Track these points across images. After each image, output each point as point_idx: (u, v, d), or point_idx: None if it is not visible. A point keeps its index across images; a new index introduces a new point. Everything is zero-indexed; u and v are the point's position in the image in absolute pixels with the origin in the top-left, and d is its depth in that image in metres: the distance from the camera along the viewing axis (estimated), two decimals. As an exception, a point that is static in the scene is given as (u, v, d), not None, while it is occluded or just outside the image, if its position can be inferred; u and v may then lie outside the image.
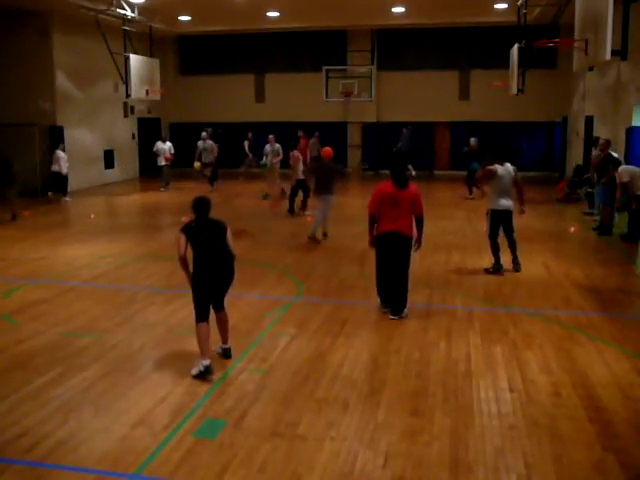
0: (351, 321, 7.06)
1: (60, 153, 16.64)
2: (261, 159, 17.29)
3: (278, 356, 6.08)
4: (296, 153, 14.18)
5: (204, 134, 18.79)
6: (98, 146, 20.56)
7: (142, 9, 18.40)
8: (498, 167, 8.93)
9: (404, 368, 5.77)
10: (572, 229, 12.60)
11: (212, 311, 5.84)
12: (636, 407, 5.02)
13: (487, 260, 9.89)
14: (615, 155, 12.28)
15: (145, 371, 5.80)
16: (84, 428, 4.68)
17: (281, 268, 9.55)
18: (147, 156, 23.49)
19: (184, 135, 25.01)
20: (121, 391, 5.32)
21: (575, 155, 19.78)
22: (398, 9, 19.17)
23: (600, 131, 16.30)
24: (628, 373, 5.66)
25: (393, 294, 7.14)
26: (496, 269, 9.10)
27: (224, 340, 6.02)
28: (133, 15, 18.14)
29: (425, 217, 7.23)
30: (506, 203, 8.95)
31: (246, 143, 19.99)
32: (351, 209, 15.23)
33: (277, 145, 16.65)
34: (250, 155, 20.05)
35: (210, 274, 5.72)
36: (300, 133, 19.70)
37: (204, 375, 5.54)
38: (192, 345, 6.33)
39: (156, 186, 19.34)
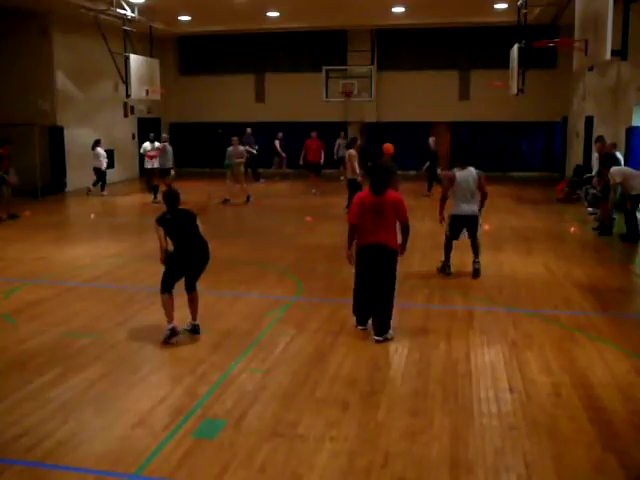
0: (351, 321, 7.06)
1: (99, 150, 17.77)
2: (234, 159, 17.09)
3: (278, 356, 6.08)
4: (352, 152, 13.76)
5: (164, 135, 17.25)
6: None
7: (142, 9, 18.39)
8: (457, 172, 8.61)
9: (404, 368, 5.77)
10: (572, 229, 12.60)
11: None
12: (636, 407, 5.02)
13: (486, 259, 9.90)
14: (617, 155, 12.30)
15: (145, 371, 5.80)
16: (84, 428, 4.69)
17: (281, 268, 9.54)
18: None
19: (184, 135, 25.04)
20: (121, 391, 5.33)
21: (575, 155, 19.78)
22: (398, 9, 19.17)
23: (600, 131, 16.30)
24: (628, 373, 5.65)
25: (377, 313, 6.45)
26: (443, 268, 9.01)
27: (194, 317, 6.64)
28: (133, 15, 18.14)
29: (411, 225, 6.60)
30: (468, 208, 8.62)
31: (277, 143, 20.72)
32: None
33: (241, 147, 16.65)
34: (283, 155, 21.12)
35: (189, 258, 6.46)
36: (313, 134, 19.26)
37: (170, 338, 6.32)
38: (192, 345, 6.35)
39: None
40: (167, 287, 6.44)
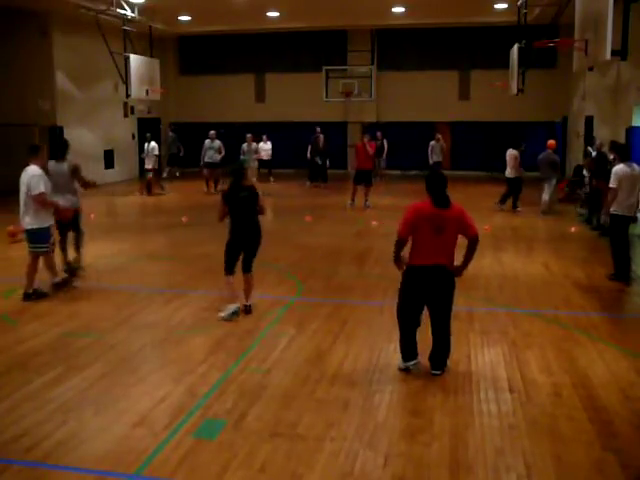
0: (351, 321, 7.06)
1: (263, 144, 19.90)
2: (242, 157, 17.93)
3: (278, 356, 6.08)
4: (516, 152, 14.66)
5: (212, 133, 18.35)
6: (98, 146, 20.57)
7: (142, 9, 18.41)
8: None
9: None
10: (572, 229, 12.61)
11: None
12: (636, 407, 5.03)
13: (488, 259, 9.90)
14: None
15: (145, 371, 5.80)
16: (84, 428, 4.68)
17: (281, 268, 9.54)
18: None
19: (184, 135, 25.00)
20: (121, 391, 5.32)
21: (575, 155, 19.77)
22: (398, 9, 19.18)
23: (600, 131, 16.30)
24: (628, 373, 5.66)
25: (437, 345, 5.65)
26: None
27: (247, 298, 7.19)
28: (133, 15, 18.15)
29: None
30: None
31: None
32: (351, 210, 15.28)
33: (255, 144, 17.67)
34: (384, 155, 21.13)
35: (241, 236, 6.98)
36: (366, 137, 16.51)
37: (232, 317, 6.92)
38: (192, 345, 6.35)
39: (155, 186, 19.25)
40: (230, 268, 7.02)
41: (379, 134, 20.68)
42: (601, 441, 4.46)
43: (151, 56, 19.94)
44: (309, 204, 16.21)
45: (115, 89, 20.45)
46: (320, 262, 9.98)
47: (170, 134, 21.56)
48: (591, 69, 12.20)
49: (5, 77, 17.88)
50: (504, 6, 18.10)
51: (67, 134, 18.52)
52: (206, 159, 18.07)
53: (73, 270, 8.76)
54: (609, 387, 5.35)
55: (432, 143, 19.33)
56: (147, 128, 22.36)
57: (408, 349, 5.69)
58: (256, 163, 17.60)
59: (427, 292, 5.51)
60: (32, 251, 8.04)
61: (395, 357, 6.01)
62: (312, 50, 24.10)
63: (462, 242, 5.52)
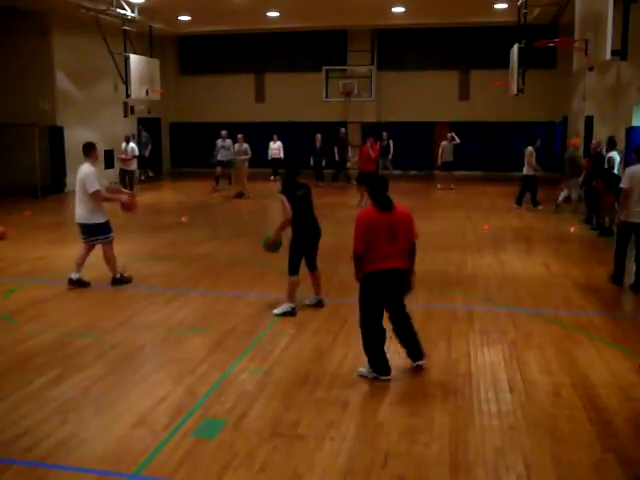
0: (351, 321, 7.04)
1: (271, 143, 20.64)
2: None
3: (278, 356, 6.08)
4: (532, 149, 14.92)
5: (223, 132, 18.75)
6: (98, 146, 20.49)
7: (142, 9, 18.39)
8: None
9: (404, 368, 5.77)
10: (572, 229, 12.61)
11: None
12: (636, 407, 5.03)
13: (488, 259, 9.91)
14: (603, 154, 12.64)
15: (145, 371, 5.80)
16: (84, 428, 4.68)
17: (281, 268, 9.52)
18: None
19: (184, 135, 25.06)
20: (121, 391, 5.33)
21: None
22: (398, 9, 19.16)
23: (600, 131, 16.30)
24: (628, 373, 5.66)
25: (411, 339, 5.71)
26: None
27: (318, 292, 7.46)
28: (133, 15, 18.13)
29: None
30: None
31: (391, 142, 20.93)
32: (349, 209, 15.28)
33: (245, 145, 17.65)
34: (389, 155, 21.19)
35: (308, 229, 7.06)
36: (370, 139, 16.78)
37: (288, 314, 7.06)
38: (192, 345, 6.35)
39: (155, 186, 19.27)
40: (297, 269, 7.13)
41: (385, 134, 20.65)
42: (601, 441, 4.46)
43: (151, 56, 19.92)
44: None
45: (115, 89, 20.44)
46: (320, 262, 9.92)
47: (144, 134, 21.46)
48: (591, 69, 12.20)
49: (5, 77, 17.87)
50: (504, 6, 18.08)
51: (67, 134, 18.57)
52: (219, 157, 18.49)
53: None
54: (609, 387, 5.35)
55: (443, 143, 19.41)
56: (147, 128, 22.39)
57: (383, 363, 5.56)
58: (247, 163, 17.60)
59: (387, 296, 5.53)
60: (90, 243, 8.52)
61: (394, 357, 6.01)
62: (312, 50, 24.09)
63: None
